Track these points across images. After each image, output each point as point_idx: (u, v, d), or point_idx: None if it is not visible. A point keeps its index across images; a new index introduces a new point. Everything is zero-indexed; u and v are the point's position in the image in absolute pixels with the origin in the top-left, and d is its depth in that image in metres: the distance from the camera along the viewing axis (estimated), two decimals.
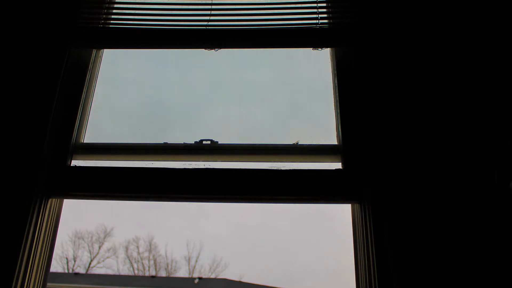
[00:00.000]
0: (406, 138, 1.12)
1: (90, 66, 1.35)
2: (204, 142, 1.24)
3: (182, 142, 1.24)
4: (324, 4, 1.34)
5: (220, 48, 1.33)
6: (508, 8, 1.25)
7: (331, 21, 1.32)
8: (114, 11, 1.40)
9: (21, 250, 1.04)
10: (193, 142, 1.24)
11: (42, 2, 1.37)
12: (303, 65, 1.38)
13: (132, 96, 1.37)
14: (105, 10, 1.39)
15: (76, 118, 1.26)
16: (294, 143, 1.23)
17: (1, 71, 1.26)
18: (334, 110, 1.28)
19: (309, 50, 1.35)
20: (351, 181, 1.12)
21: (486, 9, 1.26)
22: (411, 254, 0.99)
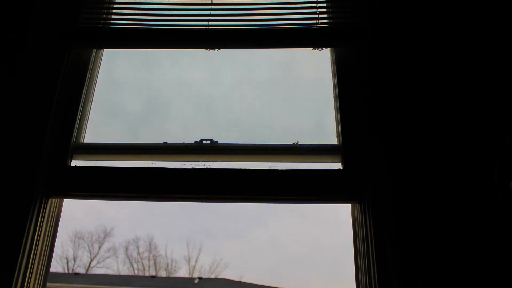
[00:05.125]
0: (406, 138, 1.12)
1: (90, 66, 1.35)
2: (204, 142, 1.24)
3: (182, 142, 1.24)
4: (324, 4, 1.34)
5: (220, 48, 1.33)
6: (508, 8, 1.25)
7: (331, 21, 1.32)
8: (114, 11, 1.40)
9: (21, 250, 1.04)
10: (193, 142, 1.25)
11: (42, 2, 1.37)
12: (303, 65, 1.38)
13: (132, 96, 1.37)
14: (105, 10, 1.39)
15: (76, 118, 1.26)
16: (294, 143, 1.23)
17: (1, 71, 1.26)
18: (334, 110, 1.28)
19: (309, 50, 1.35)
20: (351, 181, 1.12)
21: (486, 9, 1.26)
22: (411, 254, 0.99)
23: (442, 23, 1.26)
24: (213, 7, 1.35)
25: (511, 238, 0.99)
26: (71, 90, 1.29)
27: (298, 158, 1.21)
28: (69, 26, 1.32)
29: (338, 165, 1.18)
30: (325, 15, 1.32)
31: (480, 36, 1.23)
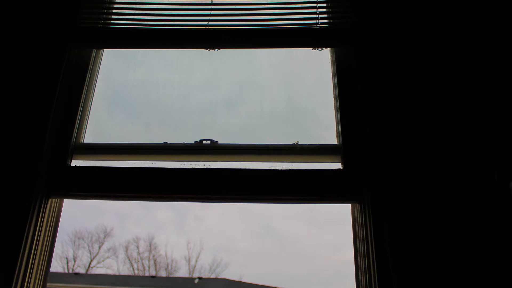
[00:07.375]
0: (406, 138, 1.12)
1: (90, 66, 1.35)
2: (204, 142, 1.24)
3: (182, 142, 1.24)
4: (324, 4, 1.34)
5: (220, 48, 1.33)
6: (508, 8, 1.25)
7: (331, 21, 1.32)
8: (114, 11, 1.40)
9: (21, 250, 1.04)
10: (193, 142, 1.25)
11: (42, 2, 1.37)
12: (303, 65, 1.38)
13: (132, 96, 1.37)
14: (105, 10, 1.39)
15: (76, 118, 1.26)
16: (294, 143, 1.23)
17: (1, 71, 1.26)
18: (334, 110, 1.28)
19: (309, 50, 1.35)
20: (351, 181, 1.12)
21: (486, 9, 1.26)
22: (411, 254, 0.99)
23: (442, 22, 1.26)
24: (213, 7, 1.35)
25: (511, 238, 0.99)
26: (71, 90, 1.29)
27: (298, 158, 1.21)
28: (69, 26, 1.32)
29: (338, 165, 1.18)
30: (325, 15, 1.32)
31: (480, 36, 1.23)
